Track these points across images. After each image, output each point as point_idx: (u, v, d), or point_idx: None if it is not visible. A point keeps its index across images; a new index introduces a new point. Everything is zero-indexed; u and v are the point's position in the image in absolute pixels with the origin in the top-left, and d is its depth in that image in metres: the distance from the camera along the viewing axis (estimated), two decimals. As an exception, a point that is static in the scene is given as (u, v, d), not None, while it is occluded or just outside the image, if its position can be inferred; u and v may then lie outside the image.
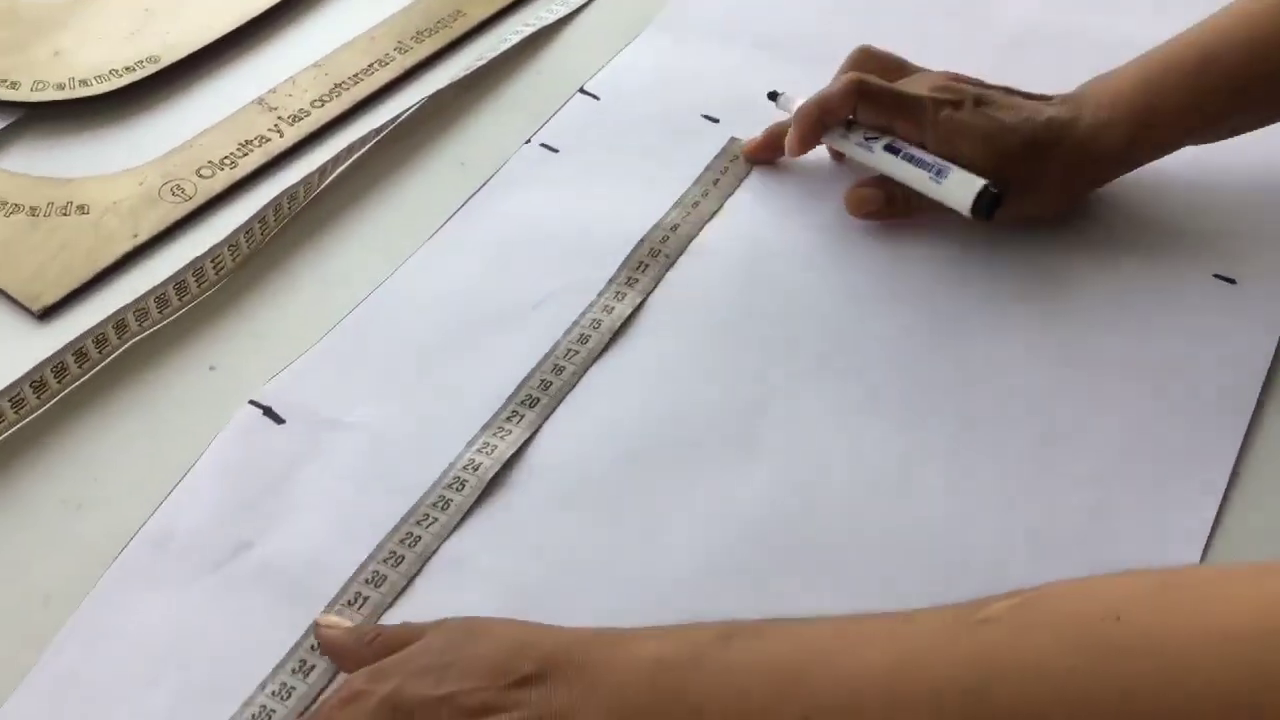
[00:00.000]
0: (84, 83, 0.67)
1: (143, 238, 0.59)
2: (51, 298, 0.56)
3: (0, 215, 0.60)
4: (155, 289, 0.55)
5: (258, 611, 0.45)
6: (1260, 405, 0.53)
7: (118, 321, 0.53)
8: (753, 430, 0.51)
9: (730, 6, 0.74)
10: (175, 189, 0.62)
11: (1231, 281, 0.58)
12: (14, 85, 0.66)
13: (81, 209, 0.60)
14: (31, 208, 0.60)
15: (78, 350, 0.52)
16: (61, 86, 0.67)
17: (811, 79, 0.61)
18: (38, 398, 0.51)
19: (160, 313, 0.55)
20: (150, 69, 0.68)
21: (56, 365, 0.52)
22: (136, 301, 0.54)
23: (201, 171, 0.63)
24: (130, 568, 0.47)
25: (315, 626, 0.44)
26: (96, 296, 0.57)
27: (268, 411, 0.52)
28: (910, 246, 0.59)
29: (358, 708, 0.39)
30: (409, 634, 0.42)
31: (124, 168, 0.63)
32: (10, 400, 0.50)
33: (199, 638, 0.45)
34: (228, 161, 0.63)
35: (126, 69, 0.68)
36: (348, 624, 0.44)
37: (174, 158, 0.63)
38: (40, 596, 0.46)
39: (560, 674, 0.39)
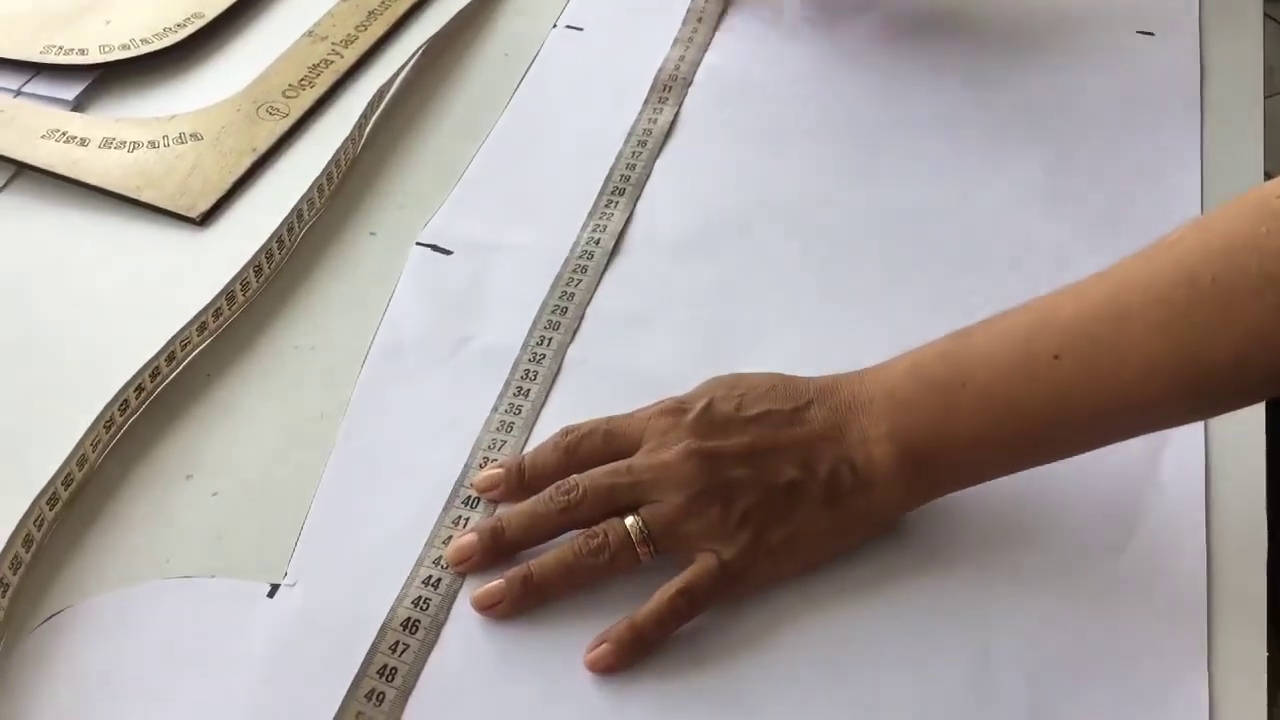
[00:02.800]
0: (145, 41, 0.74)
1: (261, 150, 0.67)
2: (206, 204, 0.64)
3: (125, 153, 0.67)
4: (315, 180, 0.63)
5: (494, 383, 0.55)
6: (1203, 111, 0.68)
7: (298, 211, 0.62)
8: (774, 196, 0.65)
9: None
10: (270, 109, 0.70)
11: (1151, 34, 0.73)
12: (82, 51, 0.73)
13: (195, 136, 0.68)
14: (150, 142, 0.67)
15: (278, 239, 0.61)
16: (126, 47, 0.73)
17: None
18: (257, 280, 0.60)
19: (320, 201, 0.64)
20: (199, 23, 0.75)
21: (268, 251, 0.60)
22: (306, 193, 0.63)
23: (286, 93, 0.71)
24: (375, 374, 0.56)
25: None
26: (240, 202, 0.65)
27: (434, 248, 0.61)
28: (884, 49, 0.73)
29: (677, 419, 0.49)
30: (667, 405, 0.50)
31: (211, 103, 0.71)
32: (240, 284, 0.59)
33: (451, 411, 0.54)
34: (305, 83, 0.72)
35: (179, 25, 0.75)
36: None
37: (255, 88, 0.71)
38: (315, 413, 0.55)
39: (835, 397, 0.48)
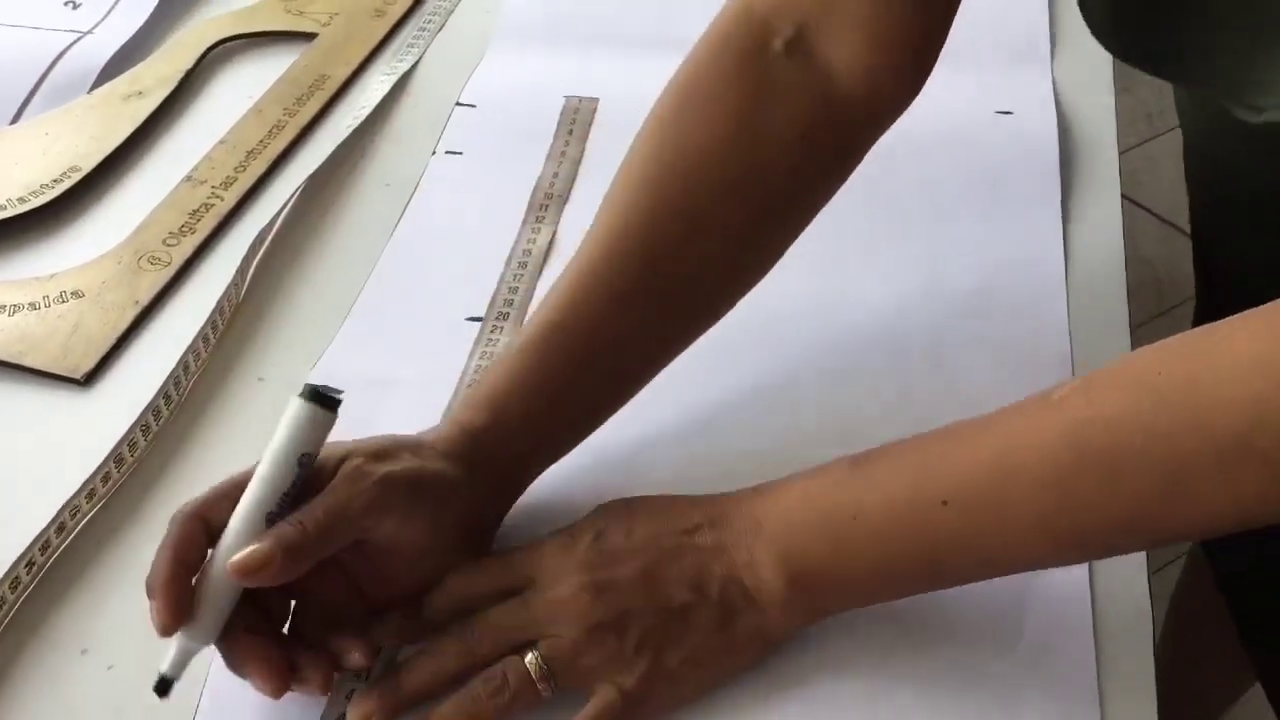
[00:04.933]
0: (21, 199, 0.74)
1: (144, 302, 0.67)
2: (89, 364, 0.64)
3: (5, 316, 0.66)
4: (200, 330, 0.64)
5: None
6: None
7: (184, 363, 0.63)
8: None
9: (550, 12, 0.88)
10: (151, 259, 0.70)
11: (1010, 113, 0.76)
12: (-42, 216, 0.73)
13: (76, 294, 0.68)
14: (30, 303, 0.67)
15: (165, 394, 0.61)
16: (2, 207, 0.73)
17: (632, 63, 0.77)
18: (145, 439, 0.60)
19: (206, 350, 0.64)
20: (76, 176, 0.75)
21: (155, 408, 0.60)
22: (191, 344, 0.63)
23: (167, 241, 0.71)
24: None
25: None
26: (125, 357, 0.65)
27: (325, 390, 0.61)
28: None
29: (568, 552, 0.49)
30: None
31: (93, 257, 0.70)
32: (128, 445, 0.59)
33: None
34: (186, 229, 0.72)
35: (55, 181, 0.75)
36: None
37: (137, 237, 0.71)
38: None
39: (726, 520, 0.49)
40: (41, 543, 0.54)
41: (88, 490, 0.56)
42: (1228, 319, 0.43)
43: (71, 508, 0.55)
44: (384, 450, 0.50)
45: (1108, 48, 0.57)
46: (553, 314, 0.54)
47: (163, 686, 0.47)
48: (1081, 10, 0.57)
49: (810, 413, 0.60)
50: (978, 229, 0.69)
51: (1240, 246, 0.67)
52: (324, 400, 0.48)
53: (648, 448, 0.58)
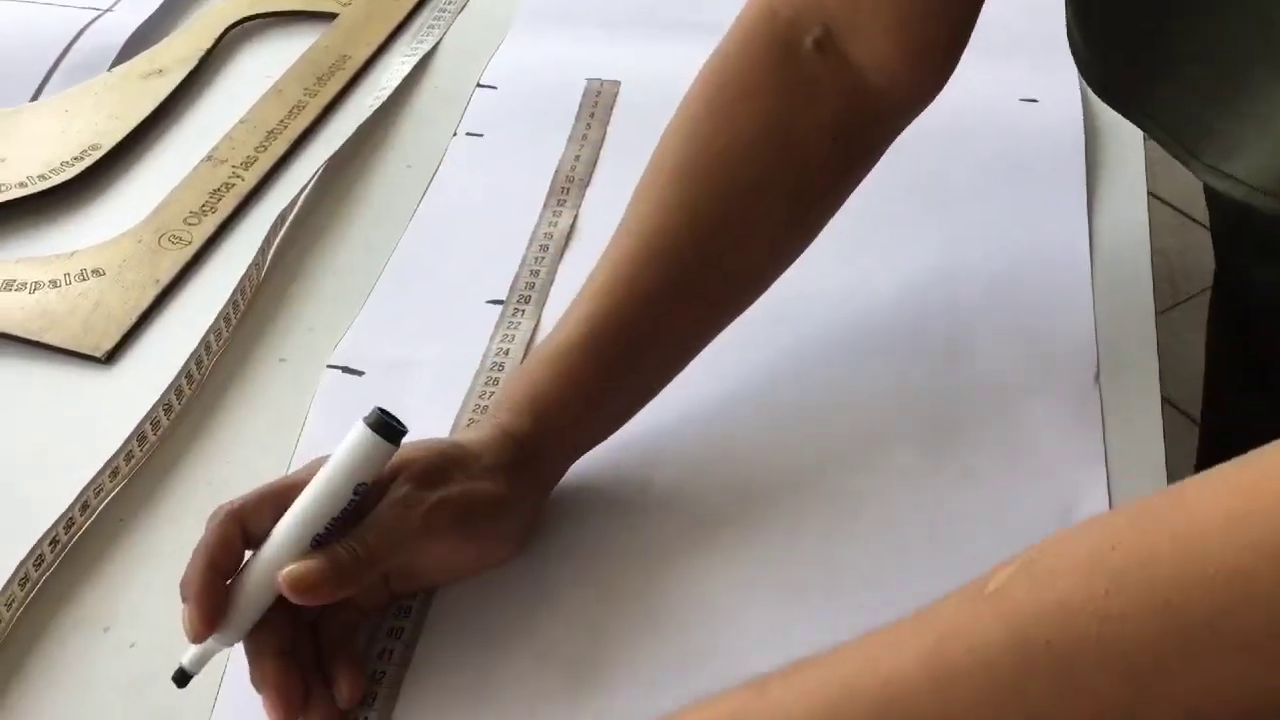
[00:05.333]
0: (42, 177, 0.74)
1: (165, 281, 0.67)
2: (110, 342, 0.64)
3: (26, 294, 0.66)
4: (222, 310, 0.64)
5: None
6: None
7: (206, 343, 0.62)
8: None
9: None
10: (172, 238, 0.70)
11: (1035, 101, 0.75)
12: (-21, 194, 0.73)
13: (97, 272, 0.68)
14: (51, 281, 0.67)
15: (187, 374, 0.61)
16: (23, 184, 0.73)
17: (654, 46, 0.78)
18: (167, 418, 0.59)
19: (227, 330, 0.64)
20: (97, 155, 0.75)
21: (177, 387, 0.60)
22: (213, 324, 0.63)
23: (188, 220, 0.71)
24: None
25: None
26: (146, 336, 0.65)
27: (346, 369, 0.61)
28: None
29: None
30: None
31: (113, 236, 0.70)
32: (150, 423, 0.59)
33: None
34: (207, 209, 0.72)
35: (75, 159, 0.75)
36: None
37: (157, 216, 0.71)
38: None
39: None
40: (65, 521, 0.54)
41: (111, 469, 0.56)
42: (1192, 481, 0.37)
43: (95, 486, 0.55)
44: (434, 471, 0.49)
45: (1094, 89, 0.55)
46: (592, 313, 0.53)
47: (182, 678, 0.47)
48: (1072, 52, 0.56)
49: (831, 401, 0.59)
50: (1001, 217, 0.69)
51: (1256, 264, 0.66)
52: (388, 431, 0.47)
53: (668, 435, 0.58)
